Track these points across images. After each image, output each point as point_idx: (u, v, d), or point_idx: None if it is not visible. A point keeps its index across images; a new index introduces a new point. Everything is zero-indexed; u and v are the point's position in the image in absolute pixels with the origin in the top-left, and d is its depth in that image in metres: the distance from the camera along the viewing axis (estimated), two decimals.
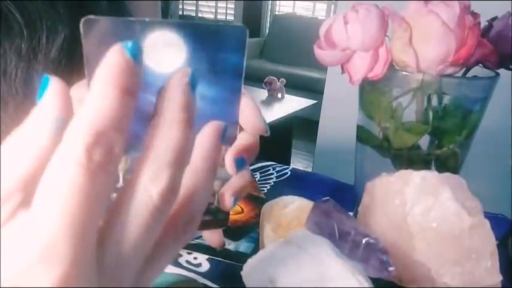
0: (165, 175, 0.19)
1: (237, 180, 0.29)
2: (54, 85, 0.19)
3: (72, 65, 0.34)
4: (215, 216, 0.30)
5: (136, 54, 0.19)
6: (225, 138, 0.22)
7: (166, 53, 0.23)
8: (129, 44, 0.19)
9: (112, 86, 0.18)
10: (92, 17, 0.21)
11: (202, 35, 0.23)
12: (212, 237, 0.33)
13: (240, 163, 0.27)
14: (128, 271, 0.19)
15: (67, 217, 0.16)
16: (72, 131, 0.17)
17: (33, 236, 0.16)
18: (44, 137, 0.18)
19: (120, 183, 0.25)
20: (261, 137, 0.29)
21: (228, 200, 0.29)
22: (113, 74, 0.18)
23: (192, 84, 0.20)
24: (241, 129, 0.28)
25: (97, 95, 0.18)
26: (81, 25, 0.21)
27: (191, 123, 0.20)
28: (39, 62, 0.32)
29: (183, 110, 0.20)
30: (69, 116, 0.18)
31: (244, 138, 0.28)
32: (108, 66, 0.18)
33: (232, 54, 0.24)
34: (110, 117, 0.18)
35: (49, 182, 0.17)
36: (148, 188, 0.19)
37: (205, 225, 0.30)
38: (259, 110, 0.27)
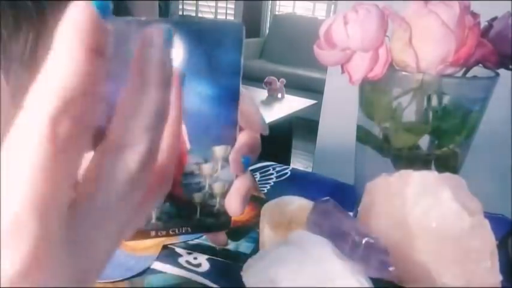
0: (144, 141, 0.18)
1: (240, 182, 0.28)
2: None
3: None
4: (217, 219, 0.29)
5: (104, 8, 0.16)
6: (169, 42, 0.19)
7: None
8: (99, 1, 0.16)
9: (78, 45, 0.16)
10: None
11: (198, 33, 0.23)
12: (215, 236, 0.33)
13: (246, 162, 0.27)
14: (103, 240, 0.18)
15: (30, 194, 0.15)
16: (34, 98, 0.15)
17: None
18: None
19: None
20: (261, 137, 0.29)
21: (237, 206, 0.28)
22: (78, 32, 0.16)
23: (168, 41, 0.18)
24: (240, 128, 0.28)
25: (62, 56, 0.16)
26: None
27: (168, 84, 0.19)
28: (44, 45, 0.32)
29: (159, 70, 0.18)
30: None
31: (245, 138, 0.27)
32: (72, 22, 0.16)
33: (229, 51, 0.24)
34: (77, 82, 0.16)
35: (10, 156, 0.15)
36: (126, 155, 0.18)
37: (207, 228, 0.30)
38: (258, 109, 0.27)
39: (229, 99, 0.26)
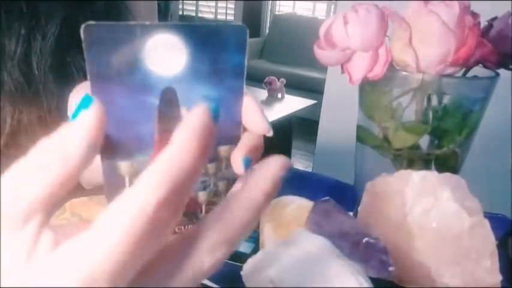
0: (224, 249, 0.19)
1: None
2: (96, 108, 0.18)
3: (67, 51, 0.34)
4: None
5: (217, 117, 0.19)
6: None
7: (167, 55, 0.23)
8: (213, 105, 0.18)
9: (197, 143, 0.17)
10: (92, 22, 0.21)
11: (202, 36, 0.23)
12: None
13: (247, 163, 0.27)
14: None
15: (115, 257, 0.16)
16: (150, 176, 0.17)
17: (76, 265, 0.16)
18: (72, 159, 0.17)
19: (126, 187, 0.25)
20: (263, 137, 0.29)
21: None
22: (199, 132, 0.17)
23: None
24: (244, 129, 0.28)
25: (183, 147, 0.17)
26: (81, 31, 0.21)
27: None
28: (37, 41, 0.32)
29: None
30: (100, 142, 0.18)
31: (249, 138, 0.27)
32: (195, 122, 0.18)
33: (233, 54, 0.24)
34: (187, 175, 0.17)
35: (109, 219, 0.16)
36: (204, 259, 0.18)
37: None
38: (262, 110, 0.27)
39: (233, 100, 0.26)
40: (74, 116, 0.18)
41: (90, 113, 0.18)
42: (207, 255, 0.19)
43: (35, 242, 0.17)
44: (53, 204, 0.17)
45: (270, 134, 0.28)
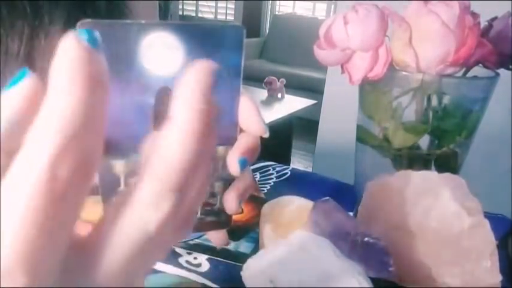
0: (168, 201, 0.16)
1: (240, 181, 0.28)
2: (27, 80, 0.16)
3: None
4: (218, 218, 0.30)
5: (93, 40, 0.15)
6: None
7: (163, 54, 0.23)
8: (83, 32, 0.15)
9: (75, 76, 0.14)
10: (88, 20, 0.21)
11: (199, 36, 0.23)
12: (216, 236, 0.33)
13: (242, 164, 0.27)
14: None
15: (22, 247, 0.13)
16: (33, 136, 0.14)
17: None
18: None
19: (122, 187, 0.25)
20: (261, 138, 0.29)
21: (232, 203, 0.28)
22: (73, 62, 0.14)
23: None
24: (241, 130, 0.28)
25: (59, 90, 0.14)
26: (77, 28, 0.21)
27: (211, 134, 0.16)
28: (40, 41, 0.32)
29: (201, 118, 0.16)
30: (32, 117, 0.15)
31: (245, 139, 0.28)
32: (66, 54, 0.15)
33: (230, 54, 0.24)
34: (78, 116, 0.14)
35: (4, 199, 0.14)
36: (146, 214, 0.16)
37: (207, 227, 0.30)
38: (259, 111, 0.27)
39: (230, 100, 0.26)
40: (7, 88, 0.16)
41: (20, 87, 0.16)
42: (149, 209, 0.16)
43: None
44: None
45: (266, 135, 0.28)
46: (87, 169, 0.15)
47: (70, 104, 0.14)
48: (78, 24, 0.21)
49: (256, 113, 0.27)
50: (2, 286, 0.13)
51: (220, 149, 0.27)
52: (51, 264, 0.15)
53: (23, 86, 0.16)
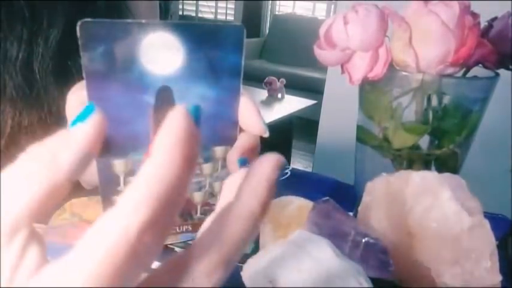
0: (221, 270, 0.17)
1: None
2: (96, 118, 0.17)
3: (69, 55, 0.34)
4: None
5: (198, 118, 0.16)
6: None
7: (164, 54, 0.23)
8: (193, 106, 0.16)
9: (180, 152, 0.15)
10: (88, 19, 0.21)
11: (199, 36, 0.23)
12: None
13: (242, 163, 0.27)
14: None
15: (96, 284, 0.14)
16: (132, 194, 0.15)
17: None
18: (63, 169, 0.16)
19: (121, 186, 0.25)
20: (261, 138, 0.29)
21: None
22: (181, 140, 0.15)
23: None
24: (241, 129, 0.28)
25: (164, 162, 0.15)
26: (78, 28, 0.21)
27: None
28: (39, 45, 0.32)
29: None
30: (96, 153, 0.17)
31: (245, 139, 0.27)
32: (174, 130, 0.15)
33: (230, 54, 0.24)
34: (173, 189, 0.15)
35: (89, 244, 0.15)
36: (199, 284, 0.16)
37: None
38: (259, 111, 0.27)
39: (230, 100, 0.26)
40: (73, 123, 0.17)
41: (89, 123, 0.17)
42: (202, 279, 0.17)
43: (21, 257, 0.16)
44: (42, 214, 0.16)
45: (266, 135, 0.28)
46: (164, 238, 0.16)
47: (171, 178, 0.15)
48: (79, 23, 0.21)
49: (256, 113, 0.27)
50: None
51: (219, 149, 0.27)
52: None
53: (90, 123, 0.17)
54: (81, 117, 0.17)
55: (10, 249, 0.16)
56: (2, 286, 0.15)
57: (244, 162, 0.27)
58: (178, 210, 0.16)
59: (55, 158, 0.16)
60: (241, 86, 0.26)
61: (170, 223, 0.16)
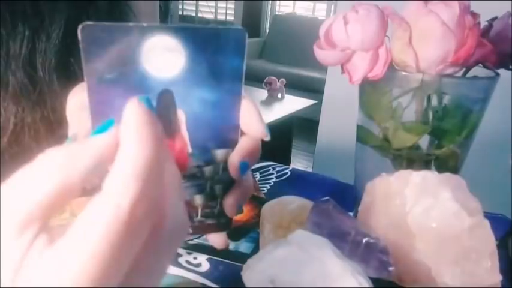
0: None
1: (240, 186, 0.28)
2: (115, 130, 0.18)
3: (71, 52, 0.34)
4: (218, 220, 0.30)
5: (151, 106, 0.19)
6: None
7: (165, 57, 0.23)
8: (144, 97, 0.19)
9: (143, 133, 0.18)
10: (89, 23, 0.21)
11: (201, 39, 0.23)
12: (216, 238, 0.33)
13: (243, 167, 0.27)
14: None
15: (96, 262, 0.16)
16: (114, 180, 0.17)
17: (57, 277, 0.16)
18: (77, 174, 0.18)
19: None
20: (261, 140, 0.29)
21: (233, 208, 0.28)
22: (143, 124, 0.18)
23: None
24: (242, 133, 0.28)
25: (135, 145, 0.17)
26: (79, 31, 0.21)
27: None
28: (41, 41, 0.32)
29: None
30: (109, 164, 0.18)
31: (246, 142, 0.27)
32: (132, 117, 0.18)
33: (232, 57, 0.24)
34: (152, 166, 0.17)
35: (83, 228, 0.16)
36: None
37: (208, 229, 0.30)
38: (260, 114, 0.27)
39: (231, 103, 0.26)
40: (94, 134, 0.19)
41: (109, 134, 0.18)
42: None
43: (28, 248, 0.17)
44: (53, 212, 0.17)
45: (267, 138, 0.28)
46: (153, 211, 0.18)
47: (144, 156, 0.17)
48: (80, 27, 0.21)
49: (257, 117, 0.27)
50: None
51: (220, 152, 0.27)
52: (116, 281, 0.17)
53: (109, 134, 0.19)
54: (102, 129, 0.19)
55: (19, 243, 0.17)
56: (6, 275, 0.16)
57: (246, 166, 0.27)
58: (159, 184, 0.18)
59: (73, 161, 0.18)
60: (243, 89, 0.26)
61: (157, 194, 0.18)
